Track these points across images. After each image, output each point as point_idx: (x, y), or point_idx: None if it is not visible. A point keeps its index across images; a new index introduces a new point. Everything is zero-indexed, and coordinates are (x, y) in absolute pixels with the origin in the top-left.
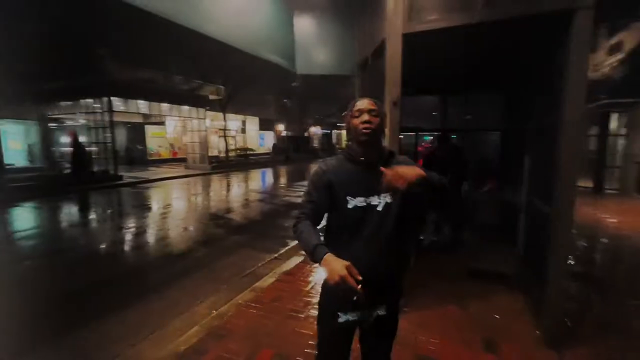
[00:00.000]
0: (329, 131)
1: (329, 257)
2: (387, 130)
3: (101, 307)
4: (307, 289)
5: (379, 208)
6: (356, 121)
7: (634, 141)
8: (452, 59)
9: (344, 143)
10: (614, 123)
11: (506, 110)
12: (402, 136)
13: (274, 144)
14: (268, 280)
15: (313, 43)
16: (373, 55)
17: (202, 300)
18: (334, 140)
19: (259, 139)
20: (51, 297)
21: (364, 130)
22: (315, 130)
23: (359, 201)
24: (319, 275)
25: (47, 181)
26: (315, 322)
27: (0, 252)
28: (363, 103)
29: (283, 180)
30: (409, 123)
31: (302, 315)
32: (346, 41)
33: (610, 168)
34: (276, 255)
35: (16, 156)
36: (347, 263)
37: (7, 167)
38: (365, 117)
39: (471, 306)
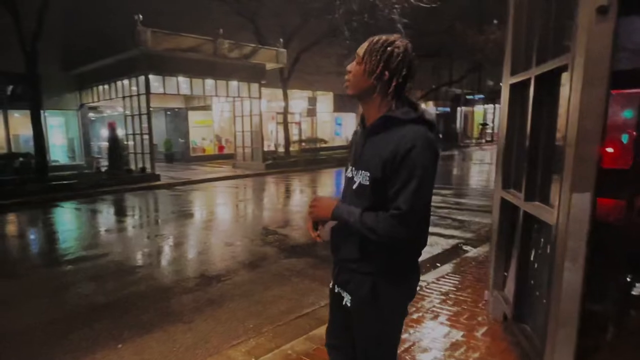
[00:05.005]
0: (447, 110)
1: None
2: (577, 70)
3: (119, 329)
4: None
5: (354, 186)
6: None
7: None
8: None
9: (476, 129)
10: None
11: None
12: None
13: (355, 132)
14: None
15: None
16: None
17: (239, 341)
18: (459, 124)
19: (335, 124)
20: (63, 312)
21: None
22: (427, 109)
23: (348, 171)
24: (413, 331)
25: (84, 180)
26: None
27: (21, 257)
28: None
29: None
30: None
31: None
32: None
33: None
34: None
35: (59, 152)
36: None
37: (53, 163)
38: (348, 66)
39: None
